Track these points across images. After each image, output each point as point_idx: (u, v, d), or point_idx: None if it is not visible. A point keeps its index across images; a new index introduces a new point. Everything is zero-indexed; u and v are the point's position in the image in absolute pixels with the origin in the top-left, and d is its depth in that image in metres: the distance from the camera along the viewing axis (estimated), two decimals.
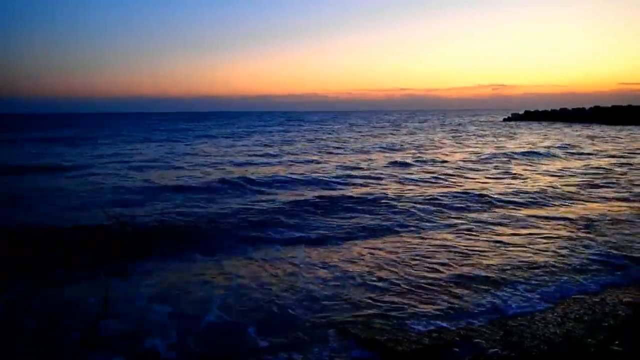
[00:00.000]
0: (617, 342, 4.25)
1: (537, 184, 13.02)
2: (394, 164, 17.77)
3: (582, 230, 8.08)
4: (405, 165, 17.48)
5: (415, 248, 7.19)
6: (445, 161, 18.64)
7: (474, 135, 37.12)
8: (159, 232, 8.02)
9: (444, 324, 4.66)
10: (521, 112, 68.84)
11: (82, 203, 10.46)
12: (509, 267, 6.28)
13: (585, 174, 14.81)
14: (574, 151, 21.87)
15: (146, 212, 9.33)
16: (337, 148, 25.04)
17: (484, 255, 6.80)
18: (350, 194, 11.32)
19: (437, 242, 7.48)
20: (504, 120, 67.36)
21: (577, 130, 38.54)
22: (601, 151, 21.66)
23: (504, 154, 20.83)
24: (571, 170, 15.66)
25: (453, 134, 38.24)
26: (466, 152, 22.81)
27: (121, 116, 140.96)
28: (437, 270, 6.21)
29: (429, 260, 6.62)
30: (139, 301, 5.34)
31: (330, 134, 39.45)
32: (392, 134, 39.50)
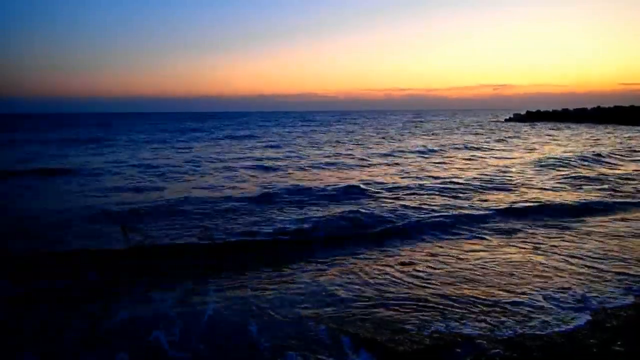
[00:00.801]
0: (619, 343, 4.23)
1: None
2: (441, 167, 16.56)
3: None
4: (458, 169, 16.33)
5: (451, 257, 6.87)
6: (507, 166, 16.90)
7: (504, 135, 35.34)
8: (166, 242, 7.62)
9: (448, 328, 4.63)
10: (523, 112, 68.78)
11: (85, 205, 10.41)
12: (539, 273, 6.20)
13: None
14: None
15: (154, 219, 9.01)
16: (367, 151, 23.22)
17: (519, 266, 6.59)
18: (383, 199, 10.62)
19: (481, 251, 7.32)
20: (506, 120, 67.21)
21: (592, 131, 37.53)
22: None
23: (558, 158, 18.59)
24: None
25: (484, 135, 36.40)
26: (514, 156, 20.93)
27: (121, 116, 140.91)
28: (470, 281, 6.16)
29: (460, 268, 6.55)
30: (140, 301, 5.35)
31: (348, 135, 37.68)
32: (415, 135, 37.29)
